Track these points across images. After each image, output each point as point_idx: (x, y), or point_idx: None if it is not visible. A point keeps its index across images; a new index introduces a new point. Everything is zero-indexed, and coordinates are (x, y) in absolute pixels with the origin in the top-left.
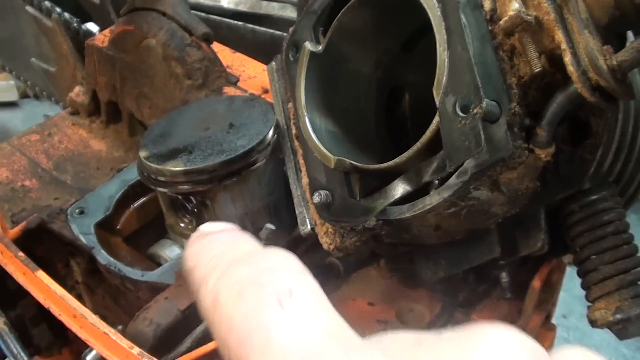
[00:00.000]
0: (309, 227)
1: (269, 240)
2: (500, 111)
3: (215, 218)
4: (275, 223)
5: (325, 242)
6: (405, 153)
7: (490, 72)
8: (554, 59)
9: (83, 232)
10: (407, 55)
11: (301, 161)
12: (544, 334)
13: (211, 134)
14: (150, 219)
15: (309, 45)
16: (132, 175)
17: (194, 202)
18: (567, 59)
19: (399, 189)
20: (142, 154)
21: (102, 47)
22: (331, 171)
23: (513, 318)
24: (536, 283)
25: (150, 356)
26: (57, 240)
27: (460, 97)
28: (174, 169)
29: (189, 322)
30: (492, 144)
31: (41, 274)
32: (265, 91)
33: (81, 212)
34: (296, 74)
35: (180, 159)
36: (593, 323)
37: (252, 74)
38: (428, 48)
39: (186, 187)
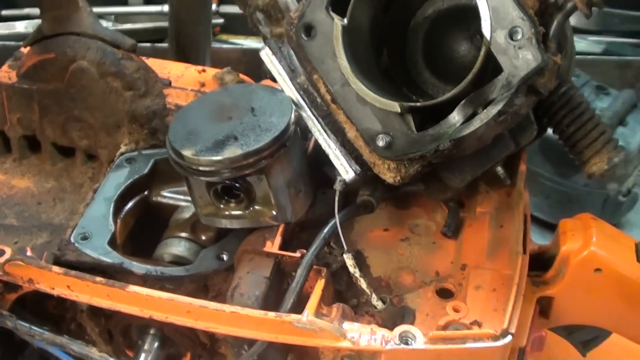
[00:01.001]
0: (352, 173)
1: (347, 187)
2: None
3: (271, 190)
4: (308, 183)
5: (390, 176)
6: (459, 86)
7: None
8: None
9: (100, 253)
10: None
11: (342, 118)
12: None
13: (242, 120)
14: (131, 227)
15: (340, 21)
16: (110, 191)
17: (243, 182)
18: None
19: (460, 113)
20: (188, 152)
21: (11, 84)
22: (387, 117)
23: (507, 201)
24: (522, 167)
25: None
26: (80, 270)
27: (509, 29)
28: (232, 155)
29: (275, 285)
30: None
31: (134, 288)
32: (203, 85)
33: (85, 238)
34: (315, 50)
35: (232, 146)
36: (591, 176)
37: (178, 74)
38: None
39: (249, 168)
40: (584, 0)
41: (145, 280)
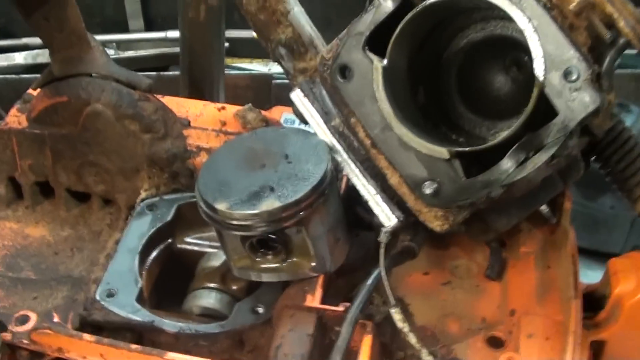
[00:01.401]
0: (395, 220)
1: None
2: None
3: (309, 240)
4: (346, 229)
5: (437, 224)
6: (511, 129)
7: None
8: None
9: (129, 311)
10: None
11: (383, 164)
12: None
13: (276, 169)
14: (155, 278)
15: (380, 63)
16: (133, 242)
17: (281, 235)
18: (622, 23)
19: (513, 159)
20: (221, 205)
21: (22, 129)
22: (433, 162)
23: (551, 239)
24: (567, 204)
25: None
26: (108, 330)
27: (564, 71)
28: (270, 208)
29: (318, 341)
30: None
31: (172, 355)
32: (224, 124)
33: (111, 295)
34: (353, 92)
35: (269, 198)
36: None
37: (197, 112)
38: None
39: (287, 221)
40: (638, 36)
41: (178, 339)
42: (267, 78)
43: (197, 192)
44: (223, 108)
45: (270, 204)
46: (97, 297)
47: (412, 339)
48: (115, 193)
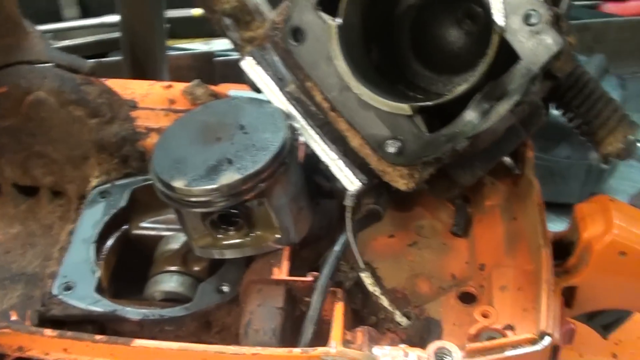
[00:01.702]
0: (358, 184)
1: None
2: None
3: (273, 212)
4: (308, 197)
5: (403, 183)
6: (472, 79)
7: None
8: None
9: (89, 303)
10: None
11: (343, 126)
12: None
13: (233, 140)
14: (113, 266)
15: (334, 22)
16: (88, 232)
17: (242, 208)
18: None
19: (476, 109)
20: (179, 183)
21: None
22: (394, 120)
23: (515, 191)
24: (529, 153)
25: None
26: (68, 324)
27: (524, 14)
28: (230, 181)
29: (289, 314)
30: None
31: (139, 342)
32: (173, 102)
33: (68, 288)
34: (307, 55)
35: (228, 171)
36: (606, 156)
37: (143, 93)
38: None
39: (248, 193)
40: None
41: (143, 326)
42: (209, 56)
43: (153, 172)
44: (170, 86)
45: (229, 176)
46: (55, 292)
47: (384, 302)
48: (64, 184)
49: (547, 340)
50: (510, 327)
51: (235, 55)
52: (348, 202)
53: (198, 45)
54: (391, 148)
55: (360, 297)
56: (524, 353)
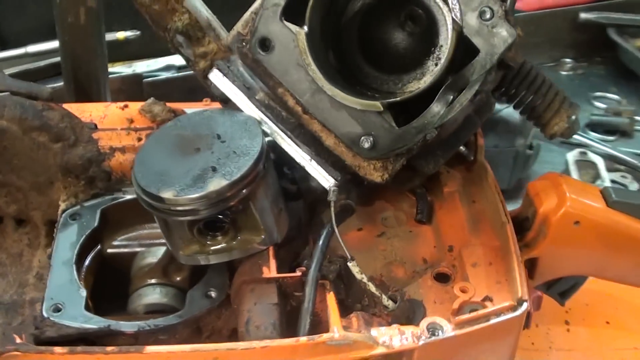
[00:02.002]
0: (332, 181)
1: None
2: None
3: (257, 214)
4: (284, 202)
5: (377, 175)
6: (434, 74)
7: None
8: None
9: (82, 321)
10: None
11: (317, 127)
12: None
13: (212, 150)
14: (91, 287)
15: (303, 30)
16: (66, 254)
17: (229, 213)
18: None
19: (442, 101)
20: (167, 194)
21: None
22: (365, 117)
23: (470, 176)
24: (481, 141)
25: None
26: (64, 344)
27: (479, 10)
28: (217, 187)
29: (283, 308)
30: None
31: (151, 348)
32: (132, 121)
33: (57, 309)
34: (276, 63)
35: (214, 178)
36: (553, 136)
37: (100, 115)
38: None
39: (235, 198)
40: None
41: (137, 338)
42: (139, 78)
43: (137, 187)
44: (126, 106)
45: (217, 183)
46: (45, 314)
47: (372, 287)
48: (29, 211)
49: (524, 306)
50: (488, 299)
51: (163, 76)
52: (332, 197)
53: (121, 69)
54: (365, 143)
55: (343, 287)
56: (506, 319)
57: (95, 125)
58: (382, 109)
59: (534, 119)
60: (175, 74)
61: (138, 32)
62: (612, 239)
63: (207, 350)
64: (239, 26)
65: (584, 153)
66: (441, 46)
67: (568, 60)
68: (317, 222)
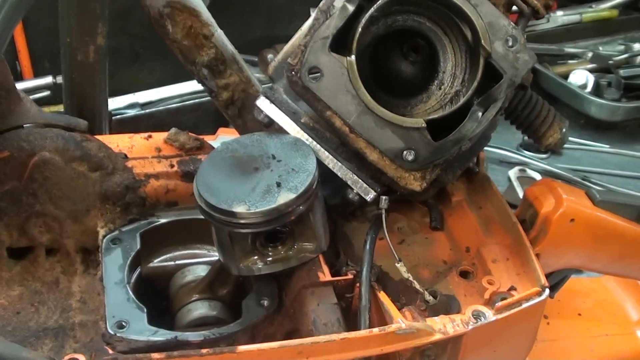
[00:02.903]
0: (373, 192)
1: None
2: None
3: (313, 225)
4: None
5: (417, 185)
6: (467, 95)
7: None
8: None
9: (149, 335)
10: None
11: (362, 145)
12: None
13: (271, 168)
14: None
15: (352, 58)
16: (117, 275)
17: (290, 224)
18: None
19: (473, 117)
20: (240, 209)
21: None
22: (407, 133)
23: (472, 186)
24: (482, 154)
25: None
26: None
27: (505, 39)
28: (287, 200)
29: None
30: None
31: (243, 347)
32: (159, 150)
33: (122, 326)
34: (325, 89)
35: (281, 193)
36: (548, 146)
37: (128, 145)
38: None
39: (299, 210)
40: (542, 4)
41: (202, 346)
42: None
43: (206, 205)
44: (150, 136)
45: (285, 196)
46: (111, 332)
47: (417, 284)
48: (62, 239)
49: (547, 291)
50: (513, 288)
51: (130, 113)
52: (384, 205)
53: None
54: (409, 156)
55: (381, 288)
56: (534, 303)
57: (126, 155)
58: (424, 125)
59: (530, 132)
60: (141, 111)
61: None
62: (599, 234)
63: (293, 345)
64: (280, 57)
65: (523, 170)
66: (443, 72)
67: None
68: (341, 235)
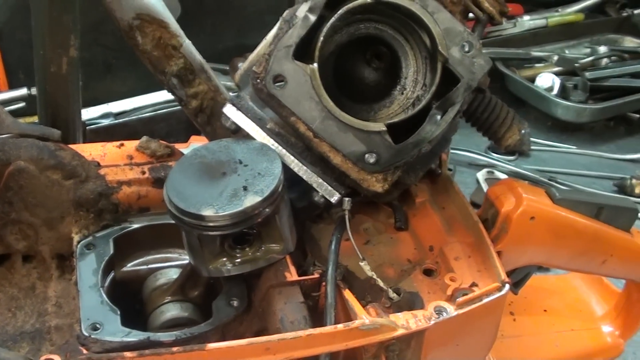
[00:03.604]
0: (337, 195)
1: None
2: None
3: (279, 227)
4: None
5: (379, 186)
6: (426, 99)
7: None
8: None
9: (122, 336)
10: None
11: (325, 149)
12: None
13: (238, 173)
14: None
15: (315, 66)
16: (91, 279)
17: (256, 226)
18: (486, 4)
19: (432, 119)
20: (208, 212)
21: None
22: (368, 137)
23: (435, 187)
24: (444, 156)
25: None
26: None
27: (461, 45)
28: (253, 203)
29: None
30: None
31: (212, 345)
32: (131, 157)
33: (96, 328)
34: (289, 96)
35: (248, 196)
36: (507, 147)
37: (100, 154)
38: None
39: (265, 212)
40: (497, 10)
41: (174, 346)
42: (82, 126)
43: (175, 209)
44: (122, 145)
45: (251, 200)
46: (86, 333)
47: (380, 282)
48: (38, 246)
49: (507, 287)
50: (475, 285)
51: (104, 122)
52: (347, 206)
53: None
54: (371, 159)
55: (347, 287)
56: (495, 298)
57: (98, 163)
58: (385, 129)
59: (489, 134)
60: (115, 121)
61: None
62: (559, 231)
63: (261, 342)
64: (246, 66)
65: (491, 172)
66: (405, 77)
67: None
68: (309, 236)
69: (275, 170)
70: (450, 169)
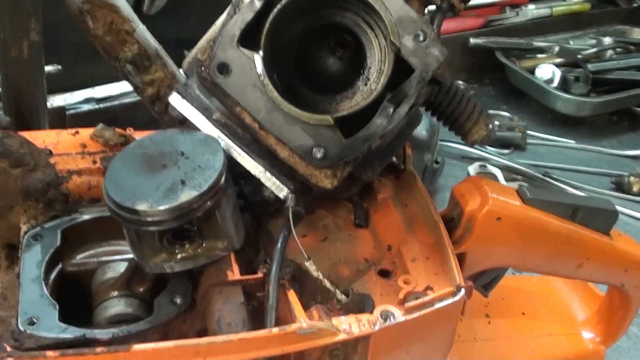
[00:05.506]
0: (287, 190)
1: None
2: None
3: (221, 222)
4: (240, 213)
5: (328, 182)
6: (376, 92)
7: None
8: None
9: (58, 332)
10: None
11: (272, 141)
12: None
13: (178, 166)
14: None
15: (259, 54)
16: (34, 272)
17: (195, 222)
18: None
19: (383, 113)
20: (142, 207)
21: None
22: (317, 130)
23: (399, 183)
24: (409, 151)
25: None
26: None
27: (414, 34)
28: (189, 198)
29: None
30: None
31: (138, 346)
32: (85, 146)
33: (32, 323)
34: (234, 85)
35: (184, 190)
36: (474, 142)
37: (53, 141)
38: None
39: (203, 207)
40: None
41: (111, 344)
42: (62, 110)
43: (111, 202)
44: (77, 132)
45: (187, 194)
46: (22, 328)
47: (327, 283)
48: None
49: (462, 291)
50: (429, 288)
51: (85, 108)
52: (290, 203)
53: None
54: (318, 154)
55: (297, 287)
56: (448, 304)
57: (50, 151)
58: (332, 122)
59: (455, 128)
60: (97, 106)
61: (59, 67)
62: (529, 232)
63: (190, 345)
64: (194, 53)
65: (483, 166)
66: (369, 68)
67: (460, 82)
68: (265, 232)
69: (217, 164)
70: (437, 162)
